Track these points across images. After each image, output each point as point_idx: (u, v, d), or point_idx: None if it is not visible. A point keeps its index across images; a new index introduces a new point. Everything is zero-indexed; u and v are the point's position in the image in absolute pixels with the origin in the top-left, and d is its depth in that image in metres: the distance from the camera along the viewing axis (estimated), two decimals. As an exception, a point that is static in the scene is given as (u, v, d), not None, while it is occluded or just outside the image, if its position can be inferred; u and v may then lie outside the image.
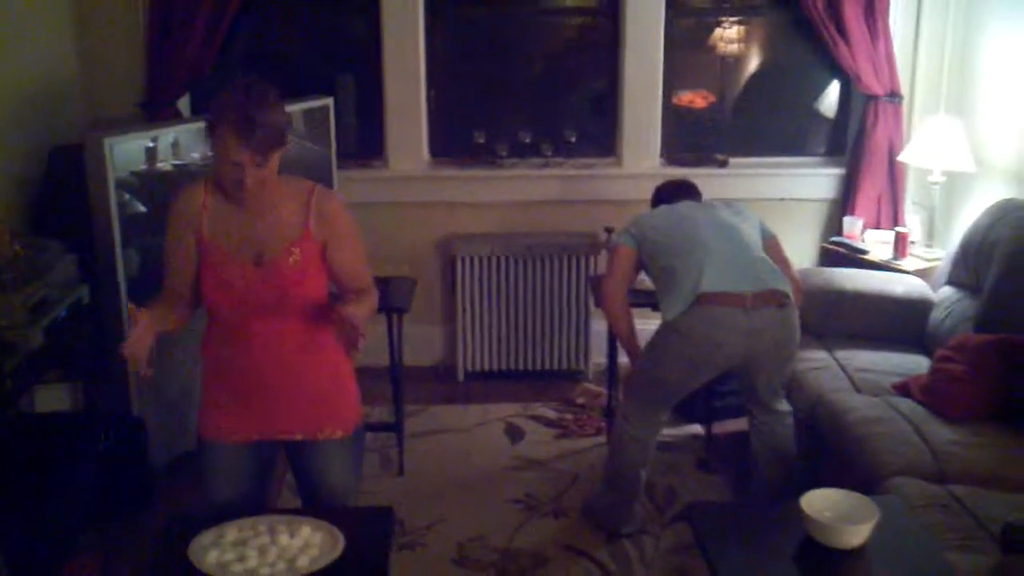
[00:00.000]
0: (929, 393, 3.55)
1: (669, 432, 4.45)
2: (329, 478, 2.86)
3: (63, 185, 4.10)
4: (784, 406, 3.62)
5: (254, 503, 2.84)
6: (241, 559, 2.44)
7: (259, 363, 2.68)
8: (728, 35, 5.22)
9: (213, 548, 2.48)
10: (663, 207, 3.81)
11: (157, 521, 3.62)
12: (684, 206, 3.76)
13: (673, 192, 3.93)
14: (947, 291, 4.20)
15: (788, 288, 3.44)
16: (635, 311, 4.38)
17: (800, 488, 2.65)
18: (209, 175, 2.71)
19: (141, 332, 2.52)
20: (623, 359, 4.42)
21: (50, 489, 3.30)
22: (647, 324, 4.80)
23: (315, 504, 2.90)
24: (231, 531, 2.55)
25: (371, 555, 2.53)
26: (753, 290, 3.37)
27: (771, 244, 3.63)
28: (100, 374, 3.92)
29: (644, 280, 4.18)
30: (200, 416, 2.82)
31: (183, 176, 4.34)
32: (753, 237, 3.58)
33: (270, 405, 2.73)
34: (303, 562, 2.43)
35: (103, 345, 3.93)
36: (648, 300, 4.15)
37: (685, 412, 4.55)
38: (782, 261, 3.60)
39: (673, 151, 5.15)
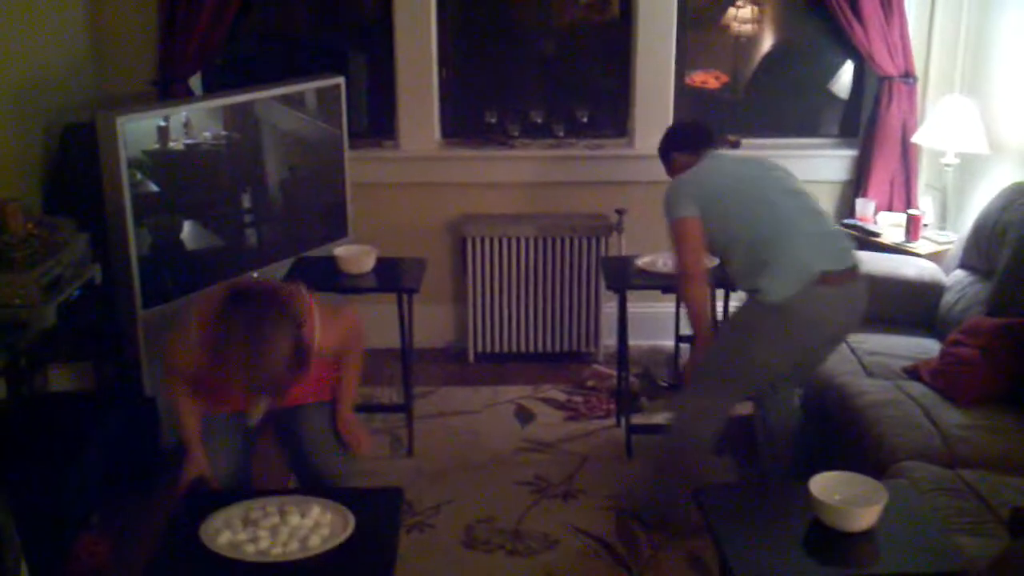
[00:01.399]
0: (940, 377, 3.55)
1: (679, 414, 4.46)
2: (310, 435, 3.07)
3: (75, 164, 4.11)
4: None
5: (245, 476, 3.04)
6: (253, 539, 2.46)
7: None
8: (742, 15, 5.18)
9: (225, 528, 2.50)
10: (707, 166, 3.53)
11: (168, 501, 3.65)
12: (729, 163, 3.59)
13: (693, 138, 3.68)
14: (959, 274, 4.18)
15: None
16: (640, 294, 4.44)
17: (808, 470, 2.66)
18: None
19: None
20: (634, 341, 4.44)
21: (62, 468, 3.33)
22: (654, 308, 4.87)
23: (305, 470, 3.10)
24: (242, 511, 2.57)
25: (380, 536, 2.55)
26: (846, 265, 3.33)
27: None
28: (112, 354, 3.93)
29: (655, 262, 4.19)
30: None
31: (195, 155, 4.35)
32: (819, 208, 3.49)
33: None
34: (314, 542, 2.46)
35: (115, 324, 3.95)
36: (658, 283, 4.16)
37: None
38: None
39: (685, 132, 5.12)
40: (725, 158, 3.65)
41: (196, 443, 2.96)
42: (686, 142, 3.68)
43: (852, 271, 3.36)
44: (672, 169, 3.72)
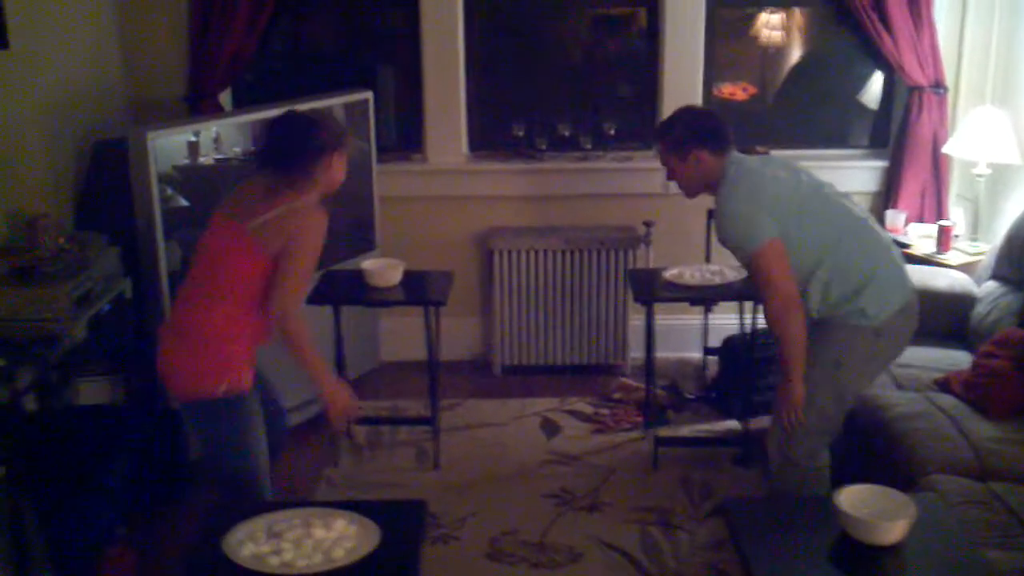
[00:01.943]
0: (971, 389, 3.51)
1: (706, 427, 4.44)
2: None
3: (106, 179, 4.15)
4: None
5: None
6: (277, 552, 2.46)
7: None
8: (770, 26, 5.16)
9: (249, 541, 2.50)
10: (757, 177, 3.10)
11: (193, 514, 3.67)
12: (774, 169, 3.17)
13: (720, 134, 3.18)
14: (991, 286, 4.13)
15: None
16: (667, 306, 4.42)
17: (837, 483, 2.63)
18: (311, 196, 3.01)
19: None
20: (662, 353, 4.41)
21: (90, 481, 3.36)
22: (682, 320, 4.85)
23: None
24: (266, 523, 2.58)
25: (405, 548, 2.55)
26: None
27: None
28: (142, 368, 3.97)
29: (682, 274, 4.18)
30: (238, 374, 3.00)
31: (225, 170, 4.39)
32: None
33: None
34: (339, 554, 2.46)
35: (145, 338, 3.98)
36: (685, 295, 4.14)
37: (723, 407, 4.54)
38: None
39: (713, 144, 5.10)
40: (761, 161, 3.25)
41: (330, 370, 3.16)
42: (715, 138, 3.17)
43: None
44: (684, 170, 3.21)
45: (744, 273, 4.08)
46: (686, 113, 3.29)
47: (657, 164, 4.94)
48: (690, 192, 3.31)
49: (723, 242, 3.15)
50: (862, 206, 3.32)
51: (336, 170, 3.06)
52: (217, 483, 3.12)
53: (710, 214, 4.75)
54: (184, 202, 4.30)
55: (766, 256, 2.99)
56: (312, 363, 3.00)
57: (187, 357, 3.01)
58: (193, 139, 4.29)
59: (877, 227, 3.21)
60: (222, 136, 4.46)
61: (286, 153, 2.98)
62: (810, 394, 3.09)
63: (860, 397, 3.61)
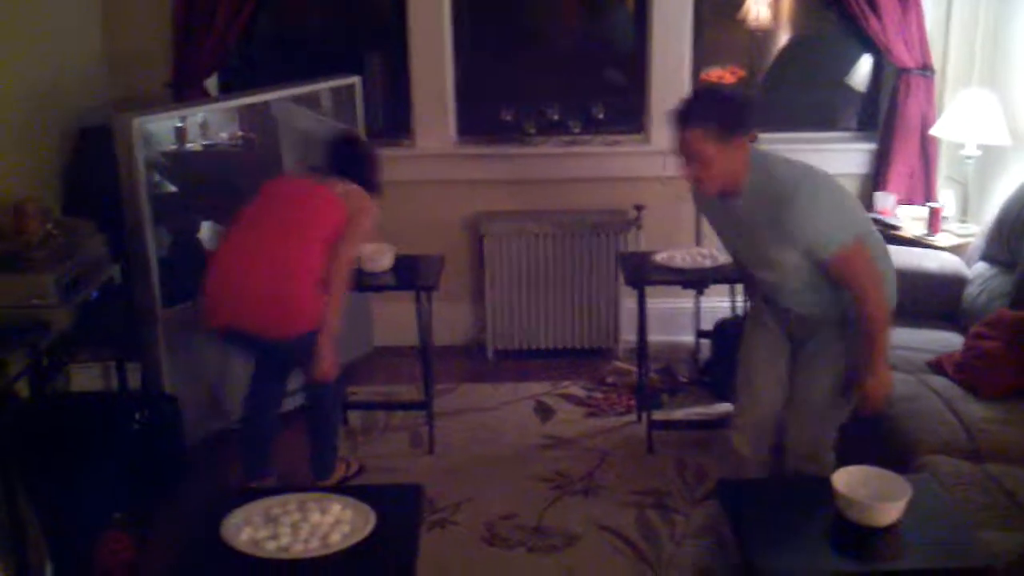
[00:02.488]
0: (963, 370, 3.52)
1: (700, 411, 4.45)
2: None
3: (93, 166, 4.12)
4: None
5: None
6: (274, 536, 2.46)
7: None
8: (758, 9, 5.15)
9: (246, 525, 2.50)
10: (808, 168, 2.93)
11: (190, 498, 3.66)
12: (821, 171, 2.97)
13: (752, 118, 2.95)
14: (981, 267, 4.15)
15: None
16: (659, 289, 4.42)
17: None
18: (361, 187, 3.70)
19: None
20: (654, 337, 4.41)
21: (85, 467, 3.34)
22: (674, 303, 4.85)
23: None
24: (263, 508, 2.57)
25: (401, 533, 2.55)
26: None
27: None
28: (133, 353, 3.95)
29: (673, 257, 4.18)
30: (321, 308, 3.48)
31: (212, 156, 4.37)
32: None
33: None
34: (335, 538, 2.46)
35: (135, 324, 3.96)
36: (677, 278, 4.15)
37: (716, 390, 4.54)
38: None
39: (702, 127, 5.09)
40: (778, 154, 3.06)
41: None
42: (750, 121, 2.93)
43: None
44: (720, 160, 2.85)
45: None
46: (720, 94, 3.02)
47: (646, 147, 5.04)
48: (714, 186, 2.91)
49: (783, 243, 2.87)
50: None
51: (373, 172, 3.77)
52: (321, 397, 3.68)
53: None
54: (171, 188, 4.28)
55: (857, 256, 2.85)
56: (336, 318, 3.46)
57: (305, 290, 3.44)
58: (180, 125, 4.26)
59: None
60: (209, 122, 4.44)
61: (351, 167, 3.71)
62: (838, 386, 3.06)
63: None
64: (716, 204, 3.05)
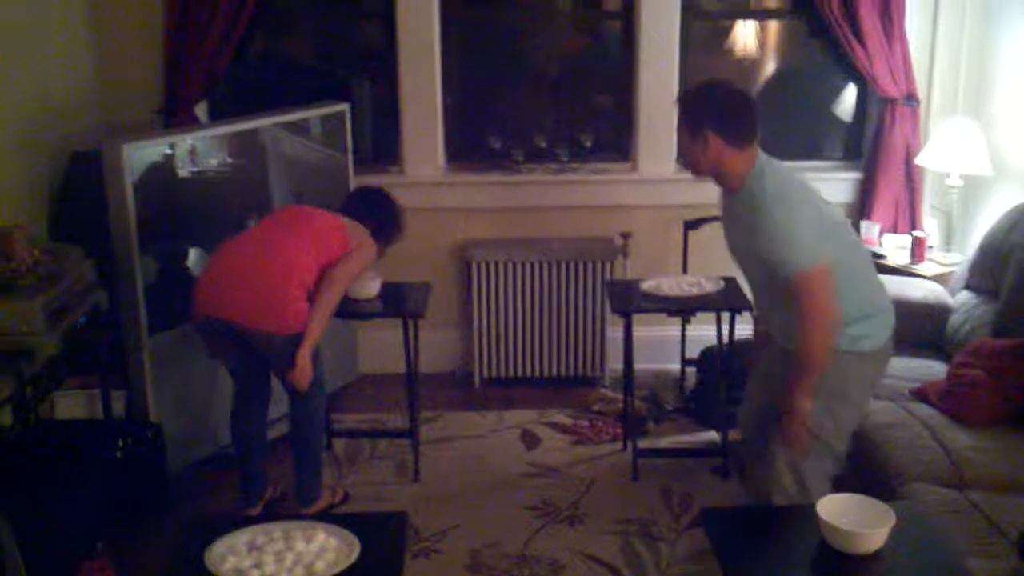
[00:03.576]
0: (947, 398, 3.54)
1: (686, 439, 4.45)
2: None
3: (81, 191, 4.12)
4: None
5: None
6: (258, 565, 2.45)
7: None
8: (744, 39, 5.20)
9: (230, 554, 2.49)
10: (796, 184, 2.90)
11: (174, 527, 3.64)
12: (816, 195, 2.94)
13: (738, 123, 2.85)
14: (965, 296, 4.17)
15: None
16: (646, 317, 4.43)
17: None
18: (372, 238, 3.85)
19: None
20: (640, 365, 4.41)
21: (68, 495, 3.32)
22: (660, 332, 4.86)
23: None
24: (247, 537, 2.56)
25: (386, 561, 2.54)
26: None
27: None
28: (118, 380, 3.94)
29: (660, 285, 4.19)
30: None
31: (201, 183, 4.37)
32: None
33: None
34: (320, 567, 2.45)
35: (121, 351, 3.95)
36: (663, 307, 4.16)
37: (702, 418, 4.55)
38: None
39: (689, 156, 5.12)
40: (806, 183, 2.96)
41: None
42: (733, 128, 2.84)
43: None
44: (692, 148, 2.88)
45: (720, 284, 4.11)
46: (716, 88, 2.91)
47: (634, 176, 5.07)
48: (695, 170, 2.94)
49: (753, 252, 2.89)
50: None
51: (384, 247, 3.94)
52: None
53: (687, 225, 4.78)
54: (160, 214, 4.26)
55: (815, 277, 2.77)
56: (319, 331, 3.56)
57: (294, 291, 3.53)
58: (168, 151, 4.26)
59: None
60: (198, 148, 4.44)
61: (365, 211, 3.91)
62: (815, 427, 2.93)
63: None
64: (723, 199, 3.04)
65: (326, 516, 3.41)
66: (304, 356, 3.53)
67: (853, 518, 2.50)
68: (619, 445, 4.40)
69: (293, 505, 3.79)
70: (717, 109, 2.84)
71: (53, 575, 3.20)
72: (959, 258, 4.52)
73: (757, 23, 5.19)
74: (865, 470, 3.34)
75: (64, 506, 3.29)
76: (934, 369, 3.86)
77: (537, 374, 5.02)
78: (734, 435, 4.21)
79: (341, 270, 3.63)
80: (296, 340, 3.52)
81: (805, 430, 2.91)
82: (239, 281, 3.54)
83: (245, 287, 3.52)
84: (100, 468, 3.54)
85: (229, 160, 4.53)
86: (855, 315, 2.89)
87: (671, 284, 4.20)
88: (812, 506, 2.53)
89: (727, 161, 2.86)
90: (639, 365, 4.36)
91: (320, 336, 3.59)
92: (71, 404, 3.90)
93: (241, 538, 2.56)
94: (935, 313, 4.17)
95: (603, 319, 4.93)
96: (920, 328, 4.14)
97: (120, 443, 3.67)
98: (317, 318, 3.55)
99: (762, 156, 2.90)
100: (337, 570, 2.44)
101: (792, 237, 2.76)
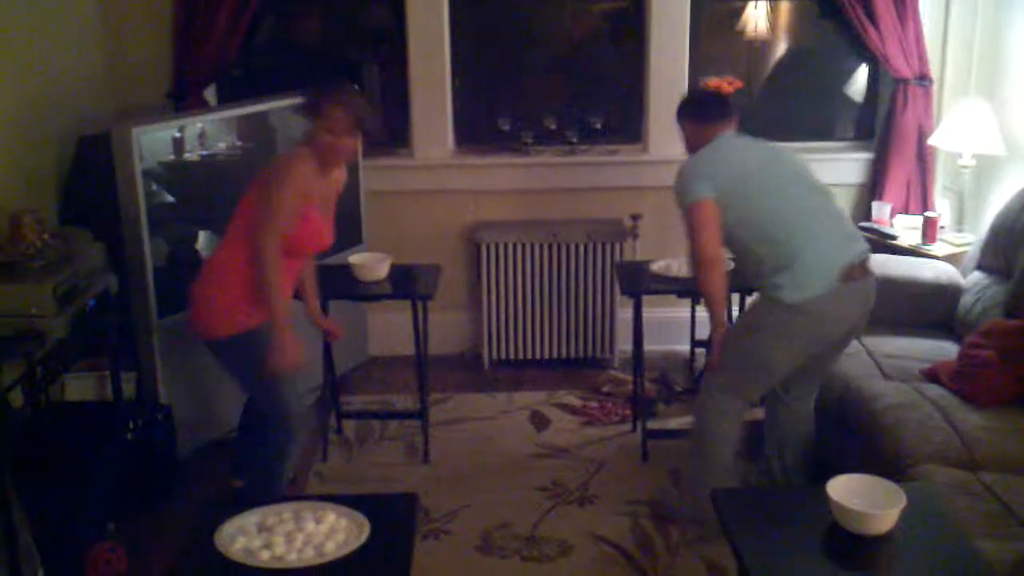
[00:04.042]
0: (958, 379, 3.52)
1: (695, 419, 4.44)
2: None
3: (91, 175, 4.13)
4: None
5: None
6: (268, 546, 2.46)
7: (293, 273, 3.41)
8: (755, 19, 5.17)
9: (240, 535, 2.50)
10: (724, 146, 3.40)
11: (184, 509, 3.66)
12: (750, 147, 3.46)
13: (703, 108, 3.54)
14: (977, 276, 4.15)
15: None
16: (655, 299, 4.43)
17: (824, 474, 2.63)
18: (305, 148, 3.30)
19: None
20: (650, 346, 4.42)
21: (79, 477, 3.34)
22: (670, 313, 4.86)
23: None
24: (257, 517, 2.57)
25: (395, 542, 2.54)
26: (860, 259, 3.31)
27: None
28: (128, 363, 3.95)
29: (670, 267, 4.18)
30: (246, 311, 3.29)
31: (210, 166, 4.37)
32: (835, 200, 3.46)
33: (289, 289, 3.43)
34: (329, 548, 2.45)
35: (131, 333, 3.96)
36: (673, 288, 4.15)
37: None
38: None
39: (699, 137, 5.10)
40: (743, 141, 3.49)
41: (290, 324, 3.25)
42: (696, 111, 3.54)
43: (865, 266, 3.36)
44: (682, 133, 3.59)
45: (729, 266, 4.10)
46: (692, 92, 3.71)
47: (644, 157, 5.05)
48: (688, 151, 3.56)
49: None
50: (827, 199, 3.43)
51: (322, 134, 3.26)
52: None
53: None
54: (169, 197, 4.27)
55: (694, 214, 3.28)
56: (274, 308, 3.21)
57: (216, 292, 3.33)
58: (178, 135, 4.26)
59: (834, 218, 3.37)
60: (207, 132, 4.44)
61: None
62: (730, 352, 3.40)
63: (847, 387, 3.64)
64: None
65: (337, 497, 3.41)
66: (278, 339, 3.21)
67: (864, 499, 2.49)
68: (629, 426, 4.40)
69: (299, 488, 3.80)
70: (686, 101, 3.66)
71: (65, 556, 3.23)
72: (971, 238, 4.50)
73: (768, 4, 5.15)
74: (876, 451, 3.33)
75: (75, 488, 3.30)
76: (945, 349, 3.84)
77: (547, 355, 5.01)
78: (746, 415, 4.22)
79: (258, 231, 3.17)
80: (230, 341, 3.30)
81: (721, 356, 3.42)
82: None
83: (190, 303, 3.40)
84: (110, 450, 3.55)
85: (238, 143, 4.54)
86: (772, 264, 3.25)
87: (681, 265, 4.18)
88: (824, 488, 2.53)
89: (696, 138, 3.49)
90: (648, 346, 4.35)
91: (281, 316, 3.21)
92: (81, 386, 3.91)
93: (251, 519, 2.56)
94: (947, 293, 4.15)
95: (613, 300, 4.92)
96: (931, 308, 4.13)
97: (130, 425, 3.69)
98: (270, 301, 3.20)
99: (726, 133, 3.44)
100: (347, 551, 2.45)
101: (682, 180, 3.35)
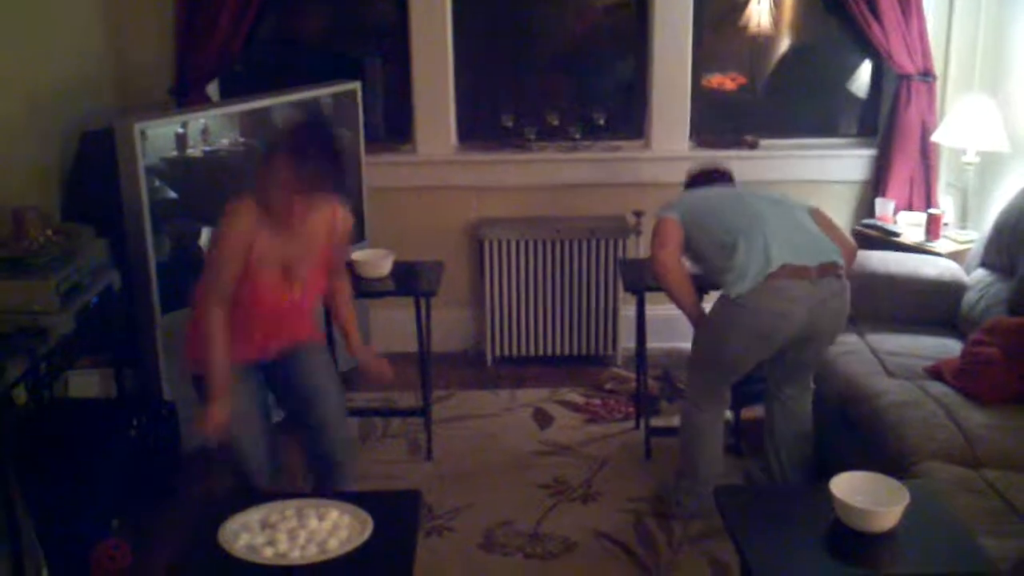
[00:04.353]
0: (961, 377, 3.51)
1: (698, 416, 4.44)
2: (314, 378, 3.24)
3: (94, 171, 4.13)
4: (812, 383, 3.68)
5: (264, 412, 3.22)
6: (271, 542, 2.46)
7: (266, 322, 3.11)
8: (758, 15, 5.16)
9: (243, 531, 2.50)
10: (701, 189, 3.78)
11: (188, 505, 3.66)
12: (724, 188, 3.77)
13: (708, 177, 3.87)
14: (980, 273, 4.14)
15: (843, 261, 3.46)
16: (658, 296, 4.40)
17: (819, 470, 2.64)
18: (249, 199, 2.98)
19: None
20: (653, 343, 4.42)
21: (82, 473, 3.34)
22: (672, 310, 4.83)
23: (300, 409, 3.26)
24: (260, 514, 2.57)
25: (398, 539, 2.55)
26: (816, 262, 3.37)
27: (817, 215, 3.60)
28: (131, 359, 3.95)
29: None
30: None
31: (213, 162, 4.37)
32: (803, 214, 3.57)
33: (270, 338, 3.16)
34: (332, 545, 2.46)
35: (134, 330, 3.96)
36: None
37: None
38: (833, 227, 3.62)
39: (703, 133, 5.11)
40: (726, 187, 3.81)
41: (227, 384, 2.95)
42: (704, 181, 3.88)
43: (823, 268, 3.37)
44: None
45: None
46: (703, 166, 3.96)
47: (647, 153, 5.04)
48: None
49: None
50: (789, 210, 3.55)
51: (269, 186, 2.93)
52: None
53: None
54: (172, 193, 4.28)
55: (657, 227, 3.61)
56: (209, 370, 2.93)
57: (190, 326, 3.15)
58: (181, 130, 4.26)
59: (792, 227, 3.46)
60: (210, 128, 4.44)
61: None
62: (696, 347, 3.63)
63: (851, 384, 3.63)
64: None
65: (340, 494, 3.41)
66: (208, 403, 2.94)
67: (867, 496, 2.50)
68: (631, 424, 4.40)
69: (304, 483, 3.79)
70: (688, 178, 3.97)
71: (69, 553, 3.23)
72: (975, 235, 4.49)
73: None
74: (879, 448, 3.33)
75: (78, 484, 3.31)
76: (949, 347, 3.84)
77: (549, 353, 5.01)
78: (747, 413, 4.22)
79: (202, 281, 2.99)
80: (195, 377, 3.05)
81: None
82: None
83: None
84: (114, 447, 3.56)
85: (241, 139, 4.54)
86: (722, 265, 3.44)
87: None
88: (827, 485, 2.53)
89: None
90: (651, 344, 4.35)
91: (216, 378, 2.92)
92: (84, 383, 3.91)
93: (254, 516, 2.57)
94: (950, 291, 4.14)
95: (615, 297, 4.92)
96: (935, 306, 4.13)
97: (134, 422, 3.69)
98: (207, 357, 2.93)
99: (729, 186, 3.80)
100: (350, 548, 2.45)
101: (662, 206, 3.70)
